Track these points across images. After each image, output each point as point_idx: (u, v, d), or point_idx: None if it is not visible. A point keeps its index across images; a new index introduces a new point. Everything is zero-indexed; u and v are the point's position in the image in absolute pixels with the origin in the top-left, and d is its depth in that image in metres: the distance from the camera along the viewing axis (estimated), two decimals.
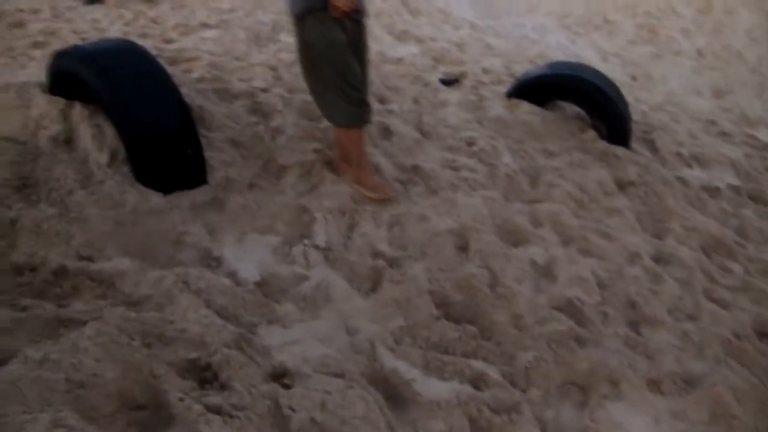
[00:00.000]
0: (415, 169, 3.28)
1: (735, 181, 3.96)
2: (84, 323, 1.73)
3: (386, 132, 3.67)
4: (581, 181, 3.47)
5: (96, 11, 6.19)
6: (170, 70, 3.11)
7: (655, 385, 2.07)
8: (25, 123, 2.91)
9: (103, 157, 2.73)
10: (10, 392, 1.45)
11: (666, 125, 4.69)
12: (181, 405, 1.55)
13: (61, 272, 2.09)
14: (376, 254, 2.55)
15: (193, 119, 2.84)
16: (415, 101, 4.33)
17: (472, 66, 5.39)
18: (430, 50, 5.87)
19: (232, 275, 2.28)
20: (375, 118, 3.87)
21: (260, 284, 2.26)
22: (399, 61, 5.48)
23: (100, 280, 2.08)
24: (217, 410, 1.56)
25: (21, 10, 5.87)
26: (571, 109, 4.28)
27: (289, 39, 5.71)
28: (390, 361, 1.95)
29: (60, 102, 2.93)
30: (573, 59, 5.31)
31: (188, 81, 3.86)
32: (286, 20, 6.27)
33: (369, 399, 1.73)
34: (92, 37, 5.20)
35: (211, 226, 2.57)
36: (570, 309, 2.39)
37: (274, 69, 4.64)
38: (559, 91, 4.20)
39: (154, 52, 2.96)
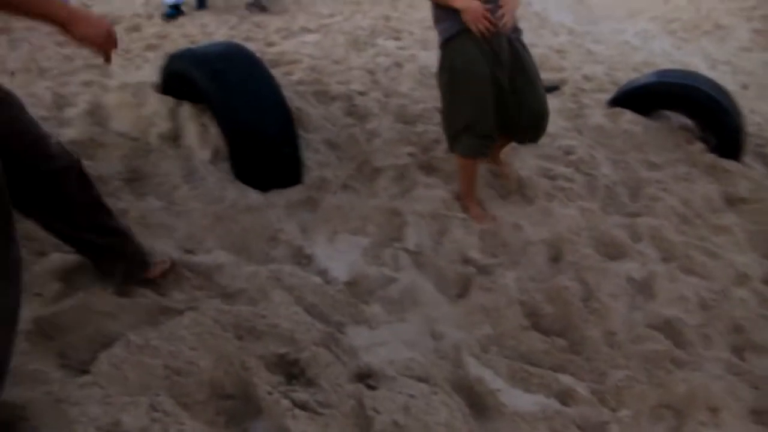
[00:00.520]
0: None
1: None
2: (181, 312, 1.81)
3: None
4: (686, 195, 3.28)
5: (204, 16, 6.53)
6: (272, 72, 3.22)
7: (758, 416, 1.92)
8: (138, 120, 3.11)
9: (206, 154, 2.87)
10: (113, 375, 1.53)
11: None
12: (269, 398, 1.59)
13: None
14: (467, 261, 2.53)
15: (292, 120, 2.93)
16: None
17: (572, 73, 5.24)
18: None
19: (322, 274, 2.33)
20: None
21: (349, 284, 2.29)
22: None
23: (199, 272, 2.17)
24: (303, 406, 1.59)
25: (137, 15, 6.28)
26: (677, 119, 4.06)
27: (386, 43, 5.80)
28: (475, 369, 1.91)
29: (170, 101, 3.11)
30: (679, 67, 5.03)
31: (288, 83, 3.99)
32: (384, 24, 6.39)
33: (453, 406, 1.70)
34: (201, 40, 5.49)
35: (304, 225, 2.64)
36: (668, 329, 2.26)
37: (371, 73, 4.71)
38: (667, 100, 3.98)
39: (257, 54, 3.07)
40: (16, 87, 2.35)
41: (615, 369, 2.02)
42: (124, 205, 2.48)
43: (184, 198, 2.59)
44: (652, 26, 7.33)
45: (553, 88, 4.82)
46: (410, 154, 3.22)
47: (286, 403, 1.57)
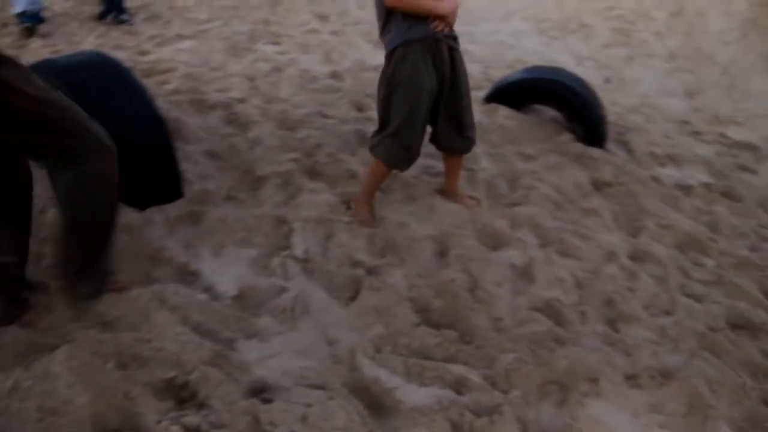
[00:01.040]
0: (394, 176, 3.27)
1: (707, 179, 4.01)
2: (56, 347, 1.69)
3: (364, 139, 3.67)
4: (558, 183, 3.49)
5: (70, 24, 6.13)
6: (145, 82, 3.09)
7: (633, 380, 2.08)
8: None
9: None
10: None
11: (640, 126, 4.75)
12: (157, 427, 1.53)
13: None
14: (355, 263, 2.54)
15: (168, 132, 2.82)
16: None
17: None
18: None
19: (209, 289, 2.27)
20: (353, 126, 3.88)
21: (238, 298, 2.25)
22: (378, 68, 5.47)
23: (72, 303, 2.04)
24: (195, 430, 1.54)
25: None
26: (547, 112, 4.31)
27: (265, 48, 5.72)
28: (370, 370, 1.94)
29: None
30: (549, 63, 5.34)
31: (164, 93, 3.83)
32: (263, 29, 6.28)
33: (350, 409, 1.71)
34: (64, 50, 5.15)
35: (187, 241, 2.55)
36: (548, 310, 2.40)
37: (251, 79, 4.63)
38: (537, 95, 4.23)
39: (128, 64, 2.93)
40: None
41: (503, 353, 2.10)
42: None
43: (52, 223, 2.42)
44: (524, 26, 7.73)
45: None
46: (293, 160, 3.19)
47: (175, 429, 1.52)
